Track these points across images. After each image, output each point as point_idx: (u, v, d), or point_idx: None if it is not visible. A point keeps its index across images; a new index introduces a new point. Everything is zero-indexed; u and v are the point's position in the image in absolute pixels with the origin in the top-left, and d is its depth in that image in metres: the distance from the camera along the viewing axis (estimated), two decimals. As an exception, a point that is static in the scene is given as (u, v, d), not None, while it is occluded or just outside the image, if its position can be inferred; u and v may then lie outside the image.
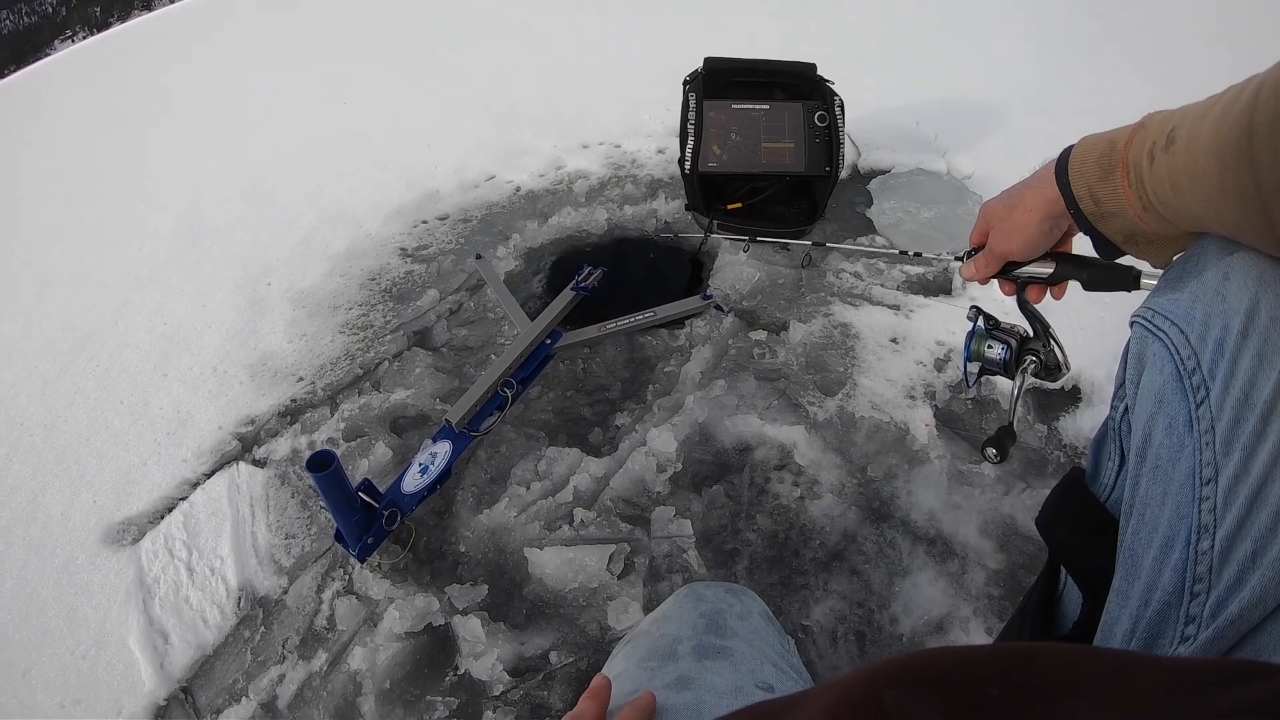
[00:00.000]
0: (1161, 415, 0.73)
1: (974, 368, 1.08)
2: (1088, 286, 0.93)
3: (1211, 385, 0.69)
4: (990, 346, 1.06)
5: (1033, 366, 1.01)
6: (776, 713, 0.47)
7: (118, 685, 1.40)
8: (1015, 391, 1.02)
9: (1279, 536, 0.60)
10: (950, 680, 0.40)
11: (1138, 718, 0.36)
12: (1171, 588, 0.67)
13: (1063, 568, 0.90)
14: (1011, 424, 1.01)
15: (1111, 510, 0.83)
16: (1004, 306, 1.06)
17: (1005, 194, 0.93)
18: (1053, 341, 1.01)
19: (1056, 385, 1.02)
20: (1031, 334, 1.04)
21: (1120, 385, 0.83)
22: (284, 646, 1.44)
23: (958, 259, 1.09)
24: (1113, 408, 0.83)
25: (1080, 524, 0.86)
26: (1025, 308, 1.01)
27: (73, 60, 4.36)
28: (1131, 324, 0.81)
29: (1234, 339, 0.68)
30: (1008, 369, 1.03)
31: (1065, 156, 0.84)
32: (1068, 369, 1.01)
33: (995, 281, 1.00)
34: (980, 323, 1.07)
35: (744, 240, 2.17)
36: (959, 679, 0.40)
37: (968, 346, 1.07)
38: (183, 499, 1.69)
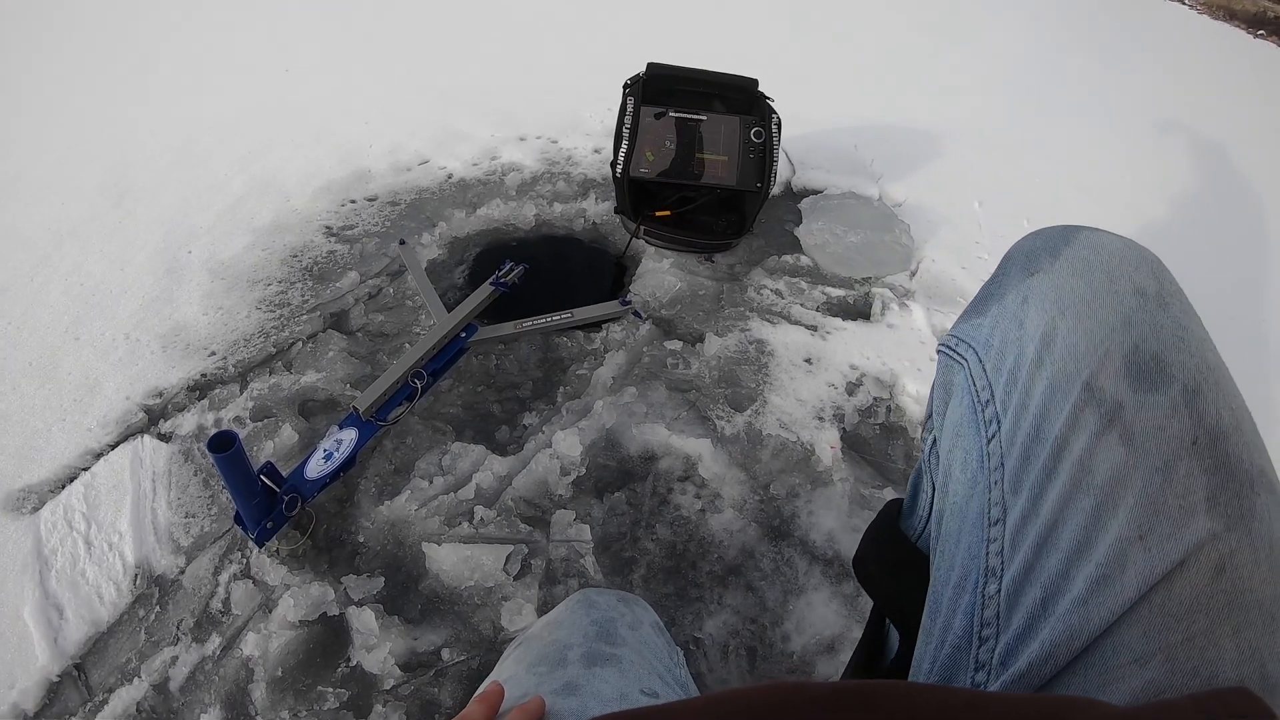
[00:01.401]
0: (958, 449, 0.72)
1: None
2: None
3: (1004, 418, 0.67)
4: None
5: None
6: None
7: (10, 658, 1.38)
8: None
9: (1072, 584, 0.58)
10: None
11: None
12: (961, 631, 0.65)
13: None
14: None
15: (925, 545, 0.82)
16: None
17: None
18: None
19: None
20: None
21: (929, 416, 0.82)
22: (178, 628, 1.43)
23: None
24: (922, 439, 0.82)
25: (888, 561, 0.86)
26: None
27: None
28: (937, 351, 0.80)
29: (1027, 368, 0.66)
30: None
31: None
32: None
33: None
34: None
35: (669, 248, 2.20)
36: None
37: None
38: (85, 469, 1.67)
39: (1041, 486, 0.62)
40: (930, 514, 0.81)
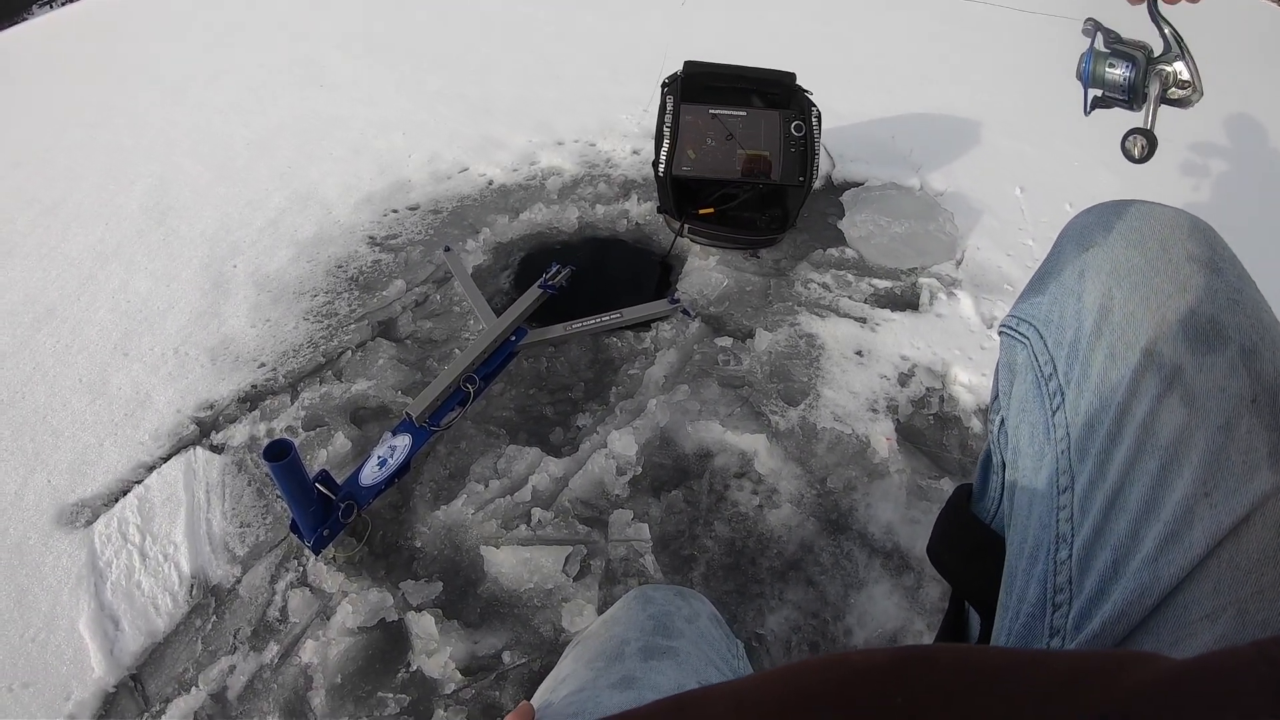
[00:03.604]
0: (1025, 424, 0.73)
1: (1095, 92, 0.97)
2: None
3: (1067, 389, 0.68)
4: (1112, 66, 0.93)
5: (1167, 77, 0.88)
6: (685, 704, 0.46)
7: (67, 670, 1.38)
8: (1151, 103, 0.90)
9: (1141, 544, 0.59)
10: (856, 696, 0.39)
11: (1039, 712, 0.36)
12: (1034, 599, 0.66)
13: None
14: (1151, 129, 0.89)
15: (999, 525, 0.82)
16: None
17: None
18: (1186, 55, 0.88)
19: (1188, 110, 0.86)
20: (1162, 49, 0.90)
21: (995, 397, 0.83)
22: (235, 637, 1.43)
23: None
24: (989, 420, 0.84)
25: (963, 546, 0.87)
26: (1156, 13, 0.89)
27: (49, 25, 4.27)
28: (999, 333, 0.81)
29: (1087, 338, 0.67)
30: (1131, 94, 0.92)
31: None
32: (1201, 91, 0.89)
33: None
34: (1099, 40, 0.95)
35: (714, 245, 2.19)
36: (864, 693, 0.39)
37: (1086, 70, 0.96)
38: (138, 482, 1.67)
39: (1107, 452, 0.63)
40: (1002, 493, 0.82)
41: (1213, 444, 0.59)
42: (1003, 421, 0.80)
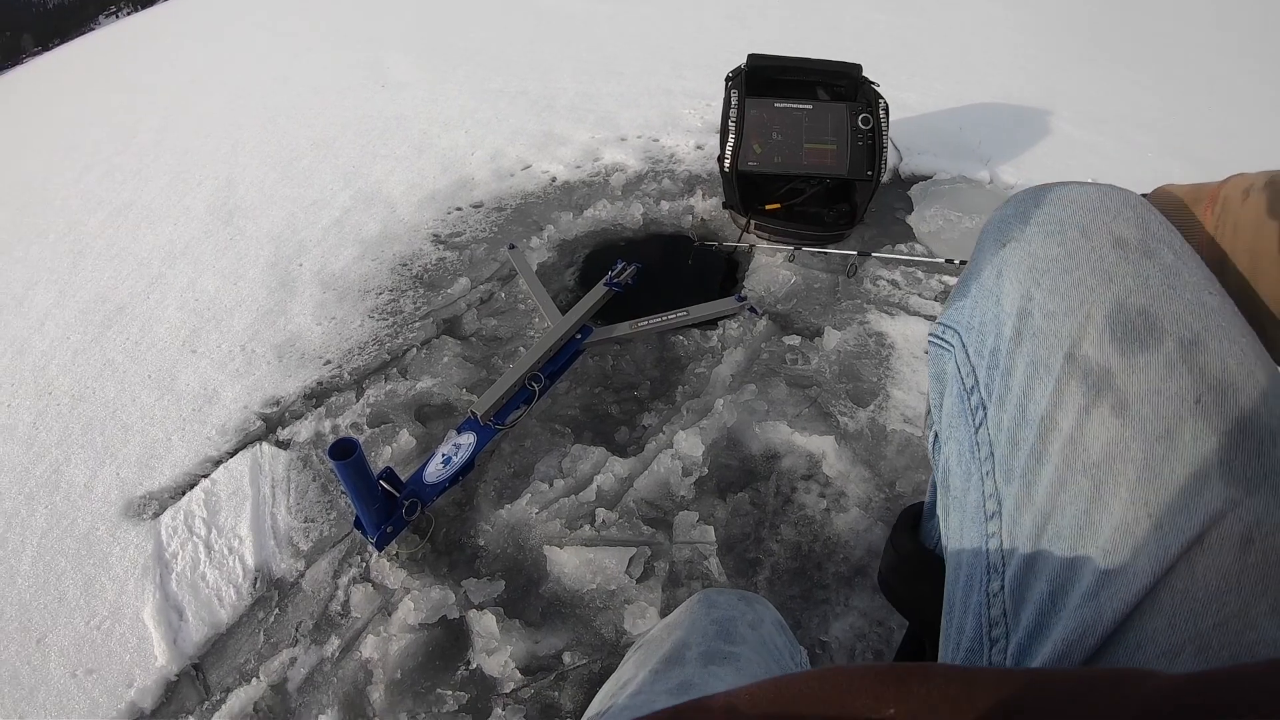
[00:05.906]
0: (953, 441, 0.66)
1: None
2: None
3: (989, 403, 0.61)
4: None
5: None
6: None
7: (130, 658, 1.39)
8: None
9: (1079, 575, 0.52)
10: (850, 707, 0.36)
11: None
12: (971, 633, 0.59)
13: None
14: None
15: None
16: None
17: None
18: None
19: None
20: None
21: (928, 411, 0.76)
22: (297, 630, 1.42)
23: None
24: (924, 435, 0.78)
25: (904, 570, 0.81)
26: None
27: (116, 35, 4.39)
28: (928, 340, 0.74)
29: (1007, 345, 0.60)
30: None
31: None
32: None
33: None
34: None
35: (784, 248, 2.15)
36: (859, 704, 0.37)
37: None
38: (205, 476, 1.69)
39: (1033, 471, 0.56)
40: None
41: (1152, 456, 0.51)
42: (936, 436, 0.73)
